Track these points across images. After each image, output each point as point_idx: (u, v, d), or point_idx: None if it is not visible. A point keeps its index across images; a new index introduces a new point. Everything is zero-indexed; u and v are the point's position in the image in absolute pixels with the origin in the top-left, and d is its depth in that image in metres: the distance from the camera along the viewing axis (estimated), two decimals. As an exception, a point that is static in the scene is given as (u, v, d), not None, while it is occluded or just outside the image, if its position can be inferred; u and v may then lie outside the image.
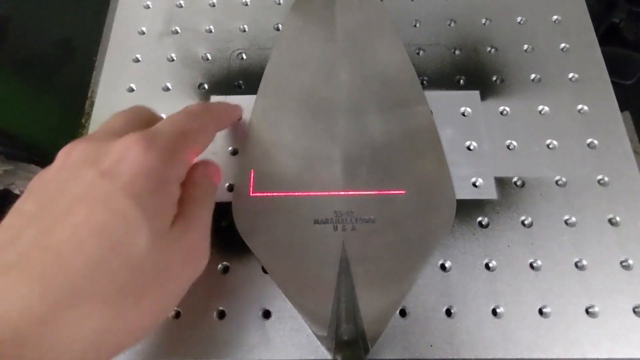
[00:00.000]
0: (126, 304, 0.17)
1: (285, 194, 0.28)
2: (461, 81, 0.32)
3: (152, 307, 0.18)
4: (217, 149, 0.30)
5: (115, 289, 0.16)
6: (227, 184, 0.29)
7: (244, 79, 0.33)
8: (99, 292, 0.16)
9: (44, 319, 0.15)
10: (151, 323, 0.19)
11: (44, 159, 0.32)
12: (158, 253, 0.18)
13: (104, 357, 0.17)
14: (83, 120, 0.35)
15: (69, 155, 0.19)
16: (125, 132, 0.20)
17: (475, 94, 0.31)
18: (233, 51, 0.34)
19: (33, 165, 0.28)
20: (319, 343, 0.25)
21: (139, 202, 0.17)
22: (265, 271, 0.26)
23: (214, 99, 0.32)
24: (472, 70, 0.32)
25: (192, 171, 0.23)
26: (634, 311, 0.25)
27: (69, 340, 0.15)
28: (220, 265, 0.27)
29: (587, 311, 0.25)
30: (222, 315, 0.25)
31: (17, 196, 0.28)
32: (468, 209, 0.28)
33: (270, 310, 0.26)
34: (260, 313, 0.25)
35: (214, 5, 0.35)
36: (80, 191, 0.17)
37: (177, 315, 0.25)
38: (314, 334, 0.24)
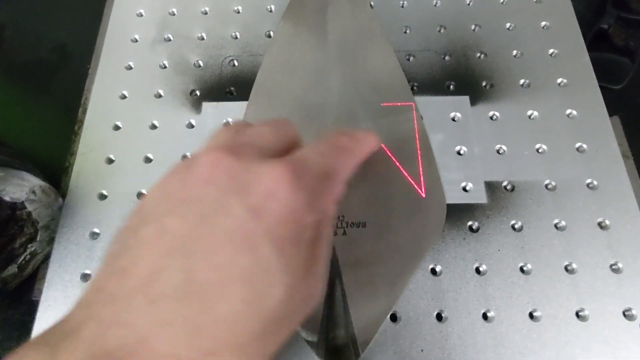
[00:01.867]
0: (253, 352, 0.17)
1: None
2: (451, 86, 0.32)
3: (273, 349, 0.18)
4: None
5: (248, 339, 0.16)
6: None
7: (235, 85, 0.33)
8: (234, 342, 0.16)
9: None
10: None
11: (37, 164, 0.32)
12: (288, 303, 0.17)
13: None
14: (76, 127, 0.35)
15: (215, 167, 0.18)
16: (273, 151, 0.20)
17: (465, 99, 0.31)
18: (225, 58, 0.34)
19: (24, 172, 0.28)
20: (309, 348, 0.24)
21: (281, 252, 0.17)
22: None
23: (206, 105, 0.32)
24: (462, 76, 0.32)
25: None
26: (624, 314, 0.25)
27: None
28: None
29: (577, 315, 0.25)
30: (212, 321, 0.25)
31: (7, 203, 0.28)
32: (459, 214, 0.28)
33: (261, 315, 0.25)
34: (251, 319, 0.25)
35: (206, 13, 0.36)
36: (227, 227, 0.16)
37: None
38: (305, 339, 0.24)
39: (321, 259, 0.20)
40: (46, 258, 0.31)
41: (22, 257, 0.30)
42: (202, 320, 0.15)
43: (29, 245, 0.30)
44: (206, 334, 0.15)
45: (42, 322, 0.26)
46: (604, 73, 0.34)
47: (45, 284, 0.27)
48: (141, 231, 0.17)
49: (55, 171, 0.34)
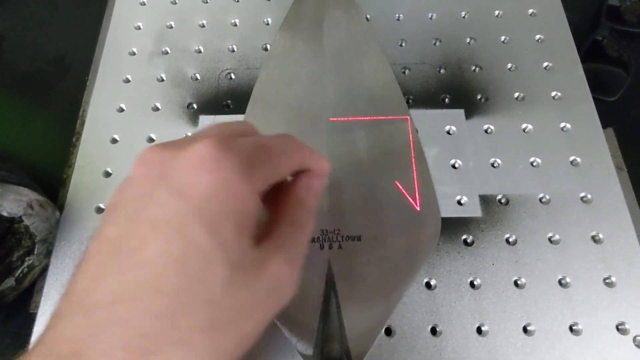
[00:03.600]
0: (204, 344, 0.15)
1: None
2: (446, 100, 0.32)
3: (229, 346, 0.16)
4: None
5: (193, 330, 0.15)
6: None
7: (232, 98, 0.33)
8: (177, 338, 0.15)
9: None
10: None
11: (34, 176, 0.32)
12: (238, 286, 0.16)
13: None
14: (74, 140, 0.35)
15: (142, 164, 0.17)
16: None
17: (460, 112, 0.32)
18: (222, 71, 0.34)
19: (22, 187, 0.28)
20: (304, 363, 0.25)
21: (213, 229, 0.15)
22: (251, 291, 0.26)
23: (203, 118, 0.32)
24: (457, 89, 0.33)
25: (294, 184, 0.20)
26: (617, 328, 0.25)
27: None
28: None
29: (571, 329, 0.25)
30: (208, 335, 0.25)
31: (5, 217, 0.29)
32: (453, 227, 0.28)
33: (257, 330, 0.26)
34: (246, 333, 0.25)
35: (203, 26, 0.36)
36: (153, 217, 0.16)
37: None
38: (300, 353, 0.25)
39: (293, 243, 0.18)
40: (44, 271, 0.31)
41: (20, 270, 0.30)
42: (138, 321, 0.14)
43: (27, 258, 0.30)
44: (144, 334, 0.14)
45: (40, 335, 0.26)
46: (599, 85, 0.34)
47: (43, 297, 0.27)
48: (87, 250, 0.17)
49: (53, 183, 0.34)
